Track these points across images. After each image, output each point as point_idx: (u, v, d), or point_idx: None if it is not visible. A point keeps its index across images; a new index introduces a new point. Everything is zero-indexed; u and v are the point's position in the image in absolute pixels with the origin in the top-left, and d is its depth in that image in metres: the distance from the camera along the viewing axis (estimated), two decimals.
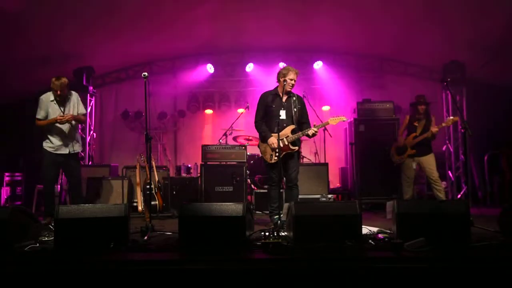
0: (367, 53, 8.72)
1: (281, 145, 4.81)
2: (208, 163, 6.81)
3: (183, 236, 3.62)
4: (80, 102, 5.42)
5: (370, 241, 3.67)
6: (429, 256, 3.18)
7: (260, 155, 5.26)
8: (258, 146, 5.24)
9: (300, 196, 5.22)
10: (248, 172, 6.85)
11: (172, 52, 8.79)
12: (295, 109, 5.00)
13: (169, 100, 9.19)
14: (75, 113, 5.28)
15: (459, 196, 7.89)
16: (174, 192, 6.97)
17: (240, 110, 8.17)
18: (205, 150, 6.86)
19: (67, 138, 5.21)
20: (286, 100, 5.04)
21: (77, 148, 5.34)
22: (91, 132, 8.55)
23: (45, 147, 5.20)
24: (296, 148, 4.96)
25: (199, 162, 6.97)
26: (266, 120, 5.09)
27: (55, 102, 5.19)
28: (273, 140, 4.88)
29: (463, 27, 6.68)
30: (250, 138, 7.32)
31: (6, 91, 7.80)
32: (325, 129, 7.51)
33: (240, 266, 3.12)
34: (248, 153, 7.06)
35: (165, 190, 6.79)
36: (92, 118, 8.64)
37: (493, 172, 7.90)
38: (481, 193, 8.07)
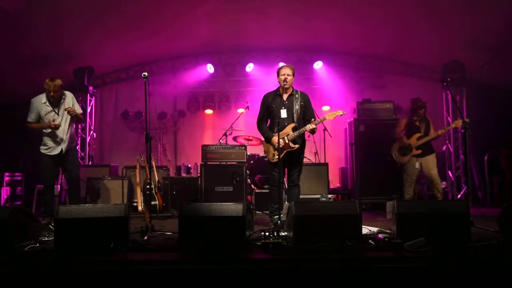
0: (367, 53, 8.72)
1: (282, 143, 4.82)
2: (208, 163, 6.81)
3: (183, 236, 3.62)
4: (76, 102, 5.41)
5: (370, 241, 3.66)
6: (429, 256, 3.18)
7: (261, 155, 5.27)
8: (263, 146, 5.28)
9: (300, 196, 5.22)
10: (248, 172, 6.85)
11: (172, 52, 8.79)
12: (297, 107, 4.98)
13: (169, 100, 9.19)
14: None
15: (459, 196, 7.89)
16: (174, 192, 6.97)
17: (240, 110, 8.17)
18: (205, 150, 6.86)
19: (60, 138, 5.22)
20: (287, 99, 5.03)
21: (70, 145, 5.31)
22: (91, 132, 8.55)
23: (41, 150, 5.24)
24: (297, 146, 4.94)
25: (199, 162, 6.97)
26: (270, 120, 5.11)
27: (47, 104, 5.18)
28: (275, 139, 4.89)
29: (463, 27, 6.69)
30: (250, 138, 7.32)
31: (6, 91, 7.79)
32: (325, 129, 7.52)
33: (240, 266, 3.12)
34: (248, 153, 7.06)
35: (165, 190, 6.79)
36: (92, 118, 8.64)
37: (493, 172, 7.90)
38: (481, 193, 8.07)
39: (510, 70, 7.43)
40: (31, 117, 5.21)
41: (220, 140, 7.25)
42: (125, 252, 3.47)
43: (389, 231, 4.00)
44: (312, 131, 4.90)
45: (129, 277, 3.06)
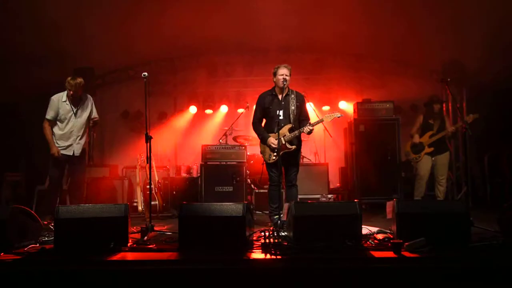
0: (367, 53, 8.71)
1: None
2: (208, 163, 6.81)
3: (183, 236, 3.62)
4: (94, 107, 5.43)
5: (370, 241, 3.67)
6: (429, 256, 3.18)
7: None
8: (259, 146, 5.26)
9: (300, 196, 5.23)
10: (248, 172, 6.85)
11: (172, 52, 8.78)
12: (293, 107, 4.96)
13: (169, 100, 9.19)
14: (87, 117, 5.32)
15: (459, 196, 7.88)
16: (174, 192, 6.97)
17: (240, 110, 8.17)
18: (205, 150, 6.86)
19: (73, 140, 5.21)
20: (283, 99, 5.02)
21: (80, 149, 5.31)
22: (91, 132, 8.54)
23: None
24: (294, 147, 4.95)
25: (199, 162, 6.97)
26: (266, 121, 5.10)
27: (67, 102, 5.17)
28: (271, 140, 4.89)
29: (463, 27, 6.68)
30: (250, 138, 7.32)
31: (6, 91, 7.79)
32: (325, 129, 7.51)
33: (240, 266, 3.12)
34: (248, 153, 7.06)
35: (165, 190, 6.79)
36: None
37: (493, 172, 7.89)
38: (481, 193, 8.06)
39: (510, 70, 7.42)
40: (50, 115, 5.16)
41: (220, 140, 7.25)
42: (125, 252, 3.48)
43: (389, 231, 4.01)
44: (309, 132, 4.91)
45: (129, 277, 3.07)
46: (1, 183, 7.46)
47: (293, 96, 5.02)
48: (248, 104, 7.69)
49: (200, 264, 3.15)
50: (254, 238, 3.91)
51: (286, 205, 4.45)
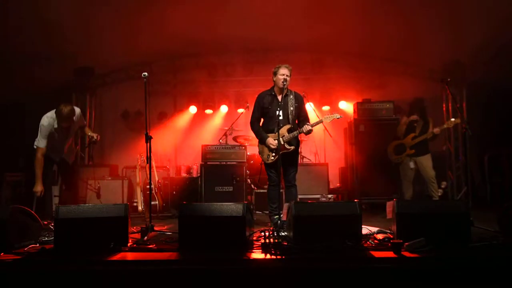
0: (367, 53, 8.70)
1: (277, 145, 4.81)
2: (208, 163, 6.81)
3: (183, 236, 3.62)
4: (82, 117, 5.40)
5: (370, 241, 3.67)
6: (429, 256, 3.18)
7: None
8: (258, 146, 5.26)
9: (300, 196, 5.22)
10: (248, 172, 6.85)
11: (172, 52, 8.78)
12: (291, 108, 4.96)
13: (169, 100, 9.19)
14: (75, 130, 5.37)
15: (459, 196, 7.88)
16: (174, 192, 6.97)
17: (240, 110, 8.17)
18: (205, 150, 6.86)
19: (58, 151, 5.28)
20: (282, 99, 5.01)
21: (68, 155, 5.42)
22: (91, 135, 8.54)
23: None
24: (292, 147, 4.94)
25: (199, 162, 6.97)
26: (264, 120, 5.09)
27: (56, 126, 5.03)
28: (270, 140, 4.89)
29: (463, 27, 6.68)
30: (250, 138, 7.31)
31: (6, 91, 7.79)
32: (325, 129, 7.52)
33: (240, 266, 3.12)
34: (248, 153, 7.06)
35: (165, 190, 6.79)
36: (92, 118, 8.64)
37: (493, 172, 7.89)
38: (481, 193, 8.06)
39: (510, 71, 7.42)
40: (43, 143, 4.98)
41: (220, 140, 7.25)
42: (125, 252, 3.48)
43: (389, 231, 4.01)
44: (308, 133, 4.91)
45: (129, 277, 3.07)
46: (1, 183, 7.46)
47: (292, 96, 5.01)
48: (248, 104, 7.69)
49: (200, 264, 3.15)
50: (254, 238, 3.91)
51: (286, 205, 4.45)
